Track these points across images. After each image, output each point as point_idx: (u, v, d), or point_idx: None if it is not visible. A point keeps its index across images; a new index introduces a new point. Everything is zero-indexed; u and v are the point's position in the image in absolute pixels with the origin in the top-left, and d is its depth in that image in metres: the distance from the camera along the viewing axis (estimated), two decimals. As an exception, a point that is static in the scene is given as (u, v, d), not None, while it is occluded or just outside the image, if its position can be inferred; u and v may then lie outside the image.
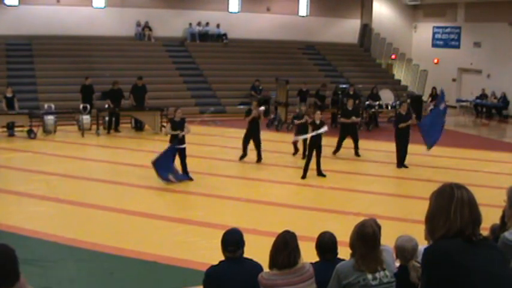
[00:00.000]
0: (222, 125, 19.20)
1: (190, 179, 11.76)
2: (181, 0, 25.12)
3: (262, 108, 13.91)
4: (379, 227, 4.13)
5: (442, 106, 13.89)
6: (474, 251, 2.49)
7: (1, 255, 2.38)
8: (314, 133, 12.12)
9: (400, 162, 13.40)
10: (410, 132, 13.50)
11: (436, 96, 21.44)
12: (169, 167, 11.62)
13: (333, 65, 26.27)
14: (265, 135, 14.73)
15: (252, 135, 13.47)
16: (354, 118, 14.58)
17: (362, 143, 14.95)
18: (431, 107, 21.14)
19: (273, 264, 4.06)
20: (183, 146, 11.76)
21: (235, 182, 12.18)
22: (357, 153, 14.58)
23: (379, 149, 15.55)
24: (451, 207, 2.54)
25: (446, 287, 2.48)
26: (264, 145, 14.23)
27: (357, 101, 19.69)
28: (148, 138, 17.05)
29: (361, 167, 13.66)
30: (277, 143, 16.45)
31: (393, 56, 28.17)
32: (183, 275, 7.23)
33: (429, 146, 13.47)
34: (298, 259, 4.07)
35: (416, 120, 14.25)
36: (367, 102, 19.77)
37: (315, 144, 12.16)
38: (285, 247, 4.04)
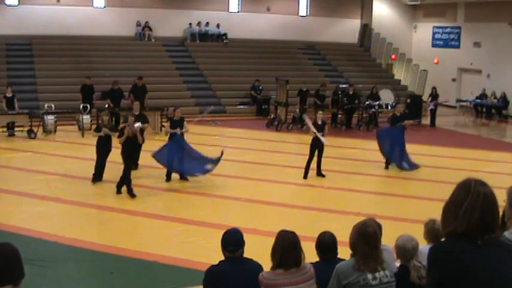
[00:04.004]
0: (222, 125, 19.19)
1: (186, 179, 11.77)
2: (181, 0, 25.11)
3: (138, 124, 10.92)
4: (379, 227, 4.13)
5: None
6: (481, 251, 2.46)
7: (5, 254, 2.40)
8: (319, 135, 12.02)
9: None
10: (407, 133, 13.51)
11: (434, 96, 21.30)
12: (176, 158, 11.62)
13: (333, 65, 26.27)
14: (265, 135, 14.73)
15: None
16: None
17: (362, 143, 14.92)
18: (432, 106, 21.14)
19: (279, 264, 4.03)
20: None
21: (235, 182, 12.16)
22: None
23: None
24: (462, 206, 2.48)
25: (451, 286, 2.46)
26: (264, 145, 14.23)
27: (356, 101, 19.82)
28: (148, 138, 16.94)
29: (361, 167, 13.65)
30: (277, 143, 16.48)
31: (393, 56, 28.16)
32: (183, 275, 7.24)
33: None
34: (303, 259, 4.07)
35: (412, 120, 14.07)
36: (367, 102, 19.77)
37: (317, 145, 12.11)
38: (295, 248, 4.04)
